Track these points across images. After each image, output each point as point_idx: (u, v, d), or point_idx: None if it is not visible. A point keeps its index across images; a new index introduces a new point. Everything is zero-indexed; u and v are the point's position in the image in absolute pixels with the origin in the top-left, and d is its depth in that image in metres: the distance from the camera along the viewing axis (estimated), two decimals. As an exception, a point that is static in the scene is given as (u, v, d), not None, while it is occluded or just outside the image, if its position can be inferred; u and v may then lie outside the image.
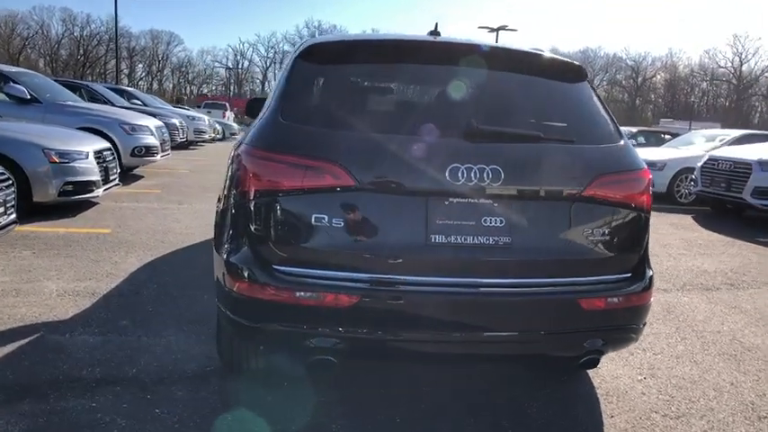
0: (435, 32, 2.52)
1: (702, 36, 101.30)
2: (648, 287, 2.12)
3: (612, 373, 2.80)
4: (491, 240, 1.92)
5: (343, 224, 1.88)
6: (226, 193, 2.19)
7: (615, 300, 2.01)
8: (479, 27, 32.87)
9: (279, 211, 1.91)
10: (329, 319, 1.86)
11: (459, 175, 1.89)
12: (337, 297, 1.84)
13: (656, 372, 2.88)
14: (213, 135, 17.63)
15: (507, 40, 30.57)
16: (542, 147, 2.03)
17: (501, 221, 1.93)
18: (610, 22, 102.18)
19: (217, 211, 2.38)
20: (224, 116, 26.19)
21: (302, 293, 1.85)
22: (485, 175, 1.90)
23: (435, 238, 1.89)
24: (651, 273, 2.17)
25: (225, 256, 2.03)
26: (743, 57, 67.53)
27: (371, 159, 1.90)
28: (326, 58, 2.24)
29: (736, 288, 4.55)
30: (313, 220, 1.88)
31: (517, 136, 2.03)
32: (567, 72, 2.28)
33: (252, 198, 1.94)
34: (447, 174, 1.89)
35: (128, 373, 2.49)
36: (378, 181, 1.89)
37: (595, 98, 2.29)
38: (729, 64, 68.11)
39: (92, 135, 6.41)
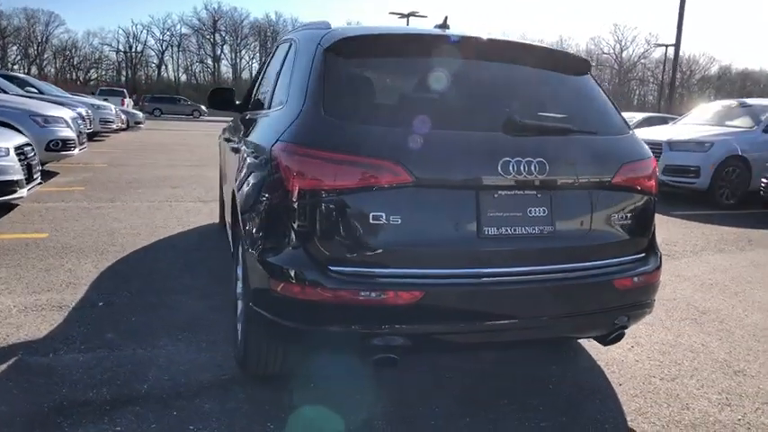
0: (444, 26, 2.53)
1: (590, 24, 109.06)
2: (660, 265, 2.30)
3: (603, 347, 3.02)
4: (536, 230, 2.00)
5: (400, 221, 1.86)
6: (257, 192, 2.09)
7: (639, 278, 2.17)
8: (390, 13, 33.02)
9: (334, 211, 1.85)
10: (391, 317, 1.85)
11: (510, 168, 1.94)
12: (399, 294, 1.82)
13: (639, 340, 3.14)
14: (120, 125, 16.37)
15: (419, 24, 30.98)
16: (574, 139, 2.14)
17: (544, 211, 2.01)
18: (507, 10, 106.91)
19: (240, 212, 2.24)
20: (123, 104, 24.35)
21: (362, 293, 1.82)
22: (532, 167, 1.96)
23: (488, 231, 1.93)
24: (660, 252, 2.36)
25: (270, 260, 1.93)
26: (623, 44, 73.99)
27: (427, 155, 1.89)
28: (361, 52, 2.17)
29: (672, 258, 5.03)
30: (370, 218, 1.84)
31: (553, 129, 2.11)
32: (579, 66, 2.40)
33: (304, 198, 1.87)
34: (499, 167, 1.93)
35: (140, 391, 2.31)
36: (433, 177, 1.89)
37: (602, 91, 2.42)
38: (612, 50, 74.29)
39: (7, 129, 5.73)
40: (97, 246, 4.39)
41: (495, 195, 1.95)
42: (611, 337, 2.21)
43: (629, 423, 2.27)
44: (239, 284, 2.42)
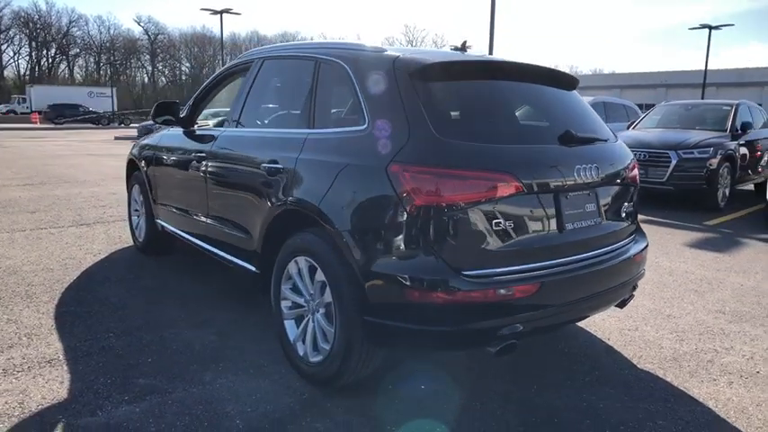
0: (463, 48, 2.85)
1: (385, 24, 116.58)
2: (648, 244, 2.96)
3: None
4: (592, 221, 2.47)
5: (514, 225, 2.15)
6: (372, 211, 2.17)
7: (643, 252, 2.79)
8: (202, 9, 31.31)
9: (462, 222, 2.06)
10: (516, 308, 2.14)
11: (581, 172, 2.37)
12: (523, 288, 2.13)
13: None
14: None
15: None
16: (604, 146, 2.65)
17: (594, 206, 2.49)
18: (305, 8, 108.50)
19: (339, 231, 2.27)
20: None
21: (494, 290, 2.08)
22: (592, 171, 2.42)
23: (568, 226, 2.34)
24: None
25: (405, 273, 2.07)
26: (413, 44, 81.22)
27: (530, 167, 2.21)
28: (443, 77, 2.37)
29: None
30: (493, 225, 2.10)
31: (593, 139, 2.60)
32: (574, 83, 2.92)
33: (434, 213, 2.04)
34: (575, 172, 2.35)
35: (238, 426, 2.21)
36: (535, 184, 2.22)
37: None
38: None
39: None
40: (13, 290, 3.73)
41: (568, 196, 2.36)
42: (628, 300, 2.79)
43: (632, 360, 2.89)
44: (323, 301, 2.44)
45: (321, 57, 2.74)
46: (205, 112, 4.06)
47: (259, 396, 2.46)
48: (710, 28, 32.07)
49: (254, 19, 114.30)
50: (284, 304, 2.72)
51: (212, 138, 3.40)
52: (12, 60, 71.00)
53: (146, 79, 79.22)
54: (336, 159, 2.38)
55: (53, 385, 2.49)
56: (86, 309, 3.42)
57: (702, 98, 28.08)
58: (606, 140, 2.73)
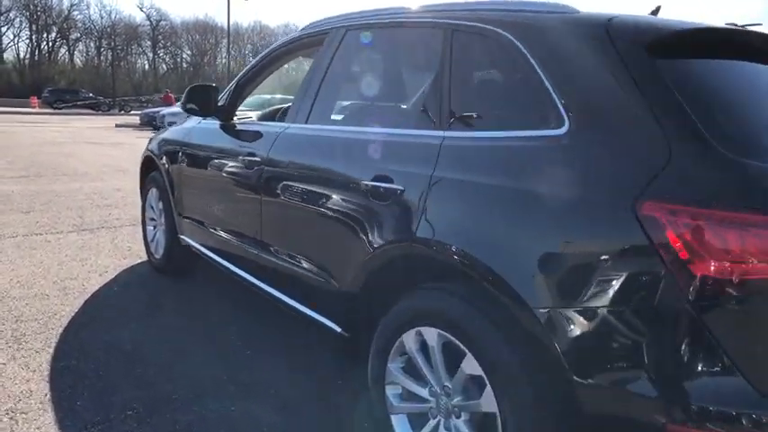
0: (656, 13, 1.96)
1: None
2: None
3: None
4: None
5: None
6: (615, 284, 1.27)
7: None
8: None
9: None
10: None
11: None
12: None
13: None
14: None
15: None
16: None
17: None
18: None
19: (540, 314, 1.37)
20: None
21: None
22: None
23: None
24: None
25: (685, 396, 1.19)
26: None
27: None
28: (703, 53, 1.47)
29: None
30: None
31: None
32: None
33: (737, 293, 1.15)
34: None
35: None
36: None
37: None
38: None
39: None
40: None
41: None
42: None
43: None
44: (472, 406, 1.55)
45: (458, 23, 1.82)
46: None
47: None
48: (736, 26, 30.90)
49: (258, 9, 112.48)
50: (391, 390, 1.83)
51: (269, 137, 2.50)
52: (11, 43, 69.63)
53: (146, 66, 77.86)
54: (507, 182, 1.49)
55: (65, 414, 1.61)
56: (93, 363, 2.52)
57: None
58: None
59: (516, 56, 1.60)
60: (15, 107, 35.86)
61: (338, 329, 2.05)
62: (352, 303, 1.95)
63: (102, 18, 73.97)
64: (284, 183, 2.31)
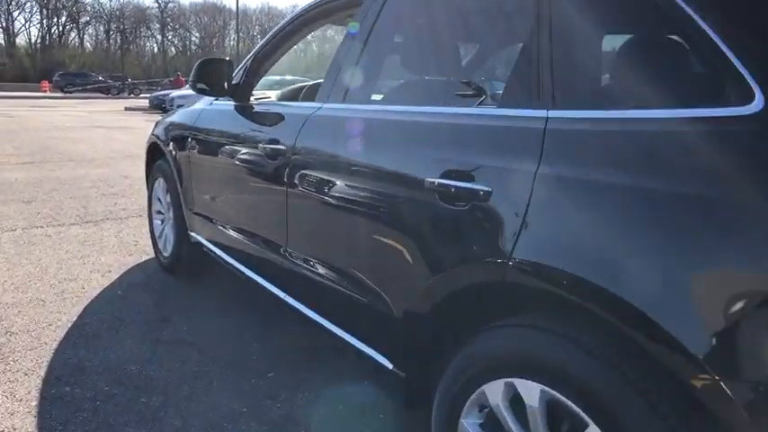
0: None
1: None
2: None
3: None
4: None
5: None
6: None
7: None
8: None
9: None
10: None
11: None
12: None
13: None
14: None
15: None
16: None
17: None
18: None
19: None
20: None
21: None
22: None
23: None
24: None
25: None
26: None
27: None
28: None
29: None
30: None
31: None
32: None
33: None
34: None
35: None
36: None
37: None
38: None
39: None
40: (-18, 343, 2.46)
41: None
42: None
43: None
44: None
45: None
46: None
47: None
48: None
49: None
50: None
51: (296, 120, 2.04)
52: (23, 28, 69.44)
53: (155, 49, 77.28)
54: (661, 184, 1.02)
55: None
56: (90, 391, 2.13)
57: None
58: None
59: (660, 11, 1.12)
60: (29, 92, 35.79)
61: (389, 366, 1.61)
62: (411, 335, 1.52)
63: (110, 1, 73.29)
64: (316, 178, 1.85)
